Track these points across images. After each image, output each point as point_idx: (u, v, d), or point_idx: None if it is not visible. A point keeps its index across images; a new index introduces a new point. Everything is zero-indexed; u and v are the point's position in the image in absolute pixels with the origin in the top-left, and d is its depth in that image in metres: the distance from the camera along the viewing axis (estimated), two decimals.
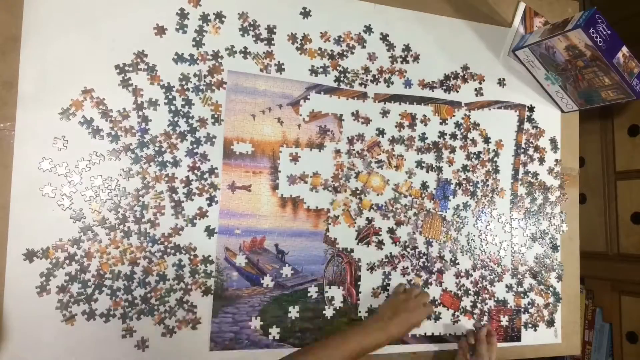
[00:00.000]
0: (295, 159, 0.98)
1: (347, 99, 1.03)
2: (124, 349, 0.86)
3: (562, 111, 1.22)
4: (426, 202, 1.08)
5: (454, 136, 1.11)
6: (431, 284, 1.07)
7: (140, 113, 0.89)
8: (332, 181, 1.00)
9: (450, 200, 1.10)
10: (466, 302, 1.10)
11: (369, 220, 1.03)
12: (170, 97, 0.90)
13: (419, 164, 1.08)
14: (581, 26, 0.96)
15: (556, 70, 1.11)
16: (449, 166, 1.10)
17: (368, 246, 1.03)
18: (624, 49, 1.01)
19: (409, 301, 0.97)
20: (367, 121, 1.04)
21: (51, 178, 0.83)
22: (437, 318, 1.07)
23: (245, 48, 0.96)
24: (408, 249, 1.05)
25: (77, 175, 0.85)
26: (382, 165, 1.04)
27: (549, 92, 1.20)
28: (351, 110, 1.03)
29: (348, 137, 1.02)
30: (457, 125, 1.11)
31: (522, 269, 1.15)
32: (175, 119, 0.91)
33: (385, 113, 1.05)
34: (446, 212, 1.09)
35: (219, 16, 0.94)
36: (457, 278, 1.09)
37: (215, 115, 0.93)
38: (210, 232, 0.91)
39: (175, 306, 0.89)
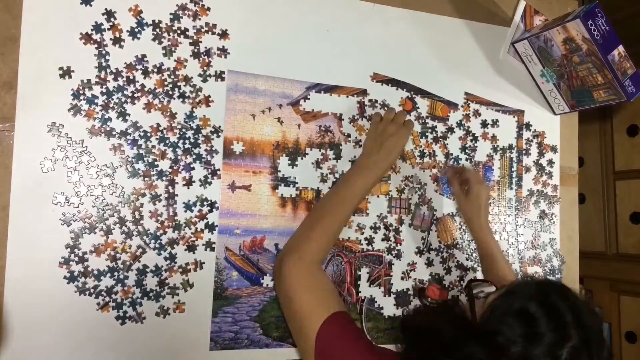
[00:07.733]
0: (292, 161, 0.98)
1: (347, 97, 1.03)
2: (122, 347, 0.86)
3: (554, 113, 1.21)
4: (430, 185, 1.08)
5: (451, 130, 1.11)
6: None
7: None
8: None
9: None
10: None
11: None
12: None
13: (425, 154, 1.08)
14: (580, 16, 0.96)
15: (552, 66, 1.11)
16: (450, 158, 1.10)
17: (379, 287, 1.02)
18: (620, 48, 1.01)
19: (388, 127, 0.96)
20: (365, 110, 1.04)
21: (51, 179, 0.83)
22: None
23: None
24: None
25: (77, 175, 0.84)
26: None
27: (543, 91, 1.19)
28: (351, 109, 1.03)
29: (345, 134, 1.02)
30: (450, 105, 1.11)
31: (529, 271, 1.16)
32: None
33: (384, 106, 1.06)
34: (447, 195, 1.09)
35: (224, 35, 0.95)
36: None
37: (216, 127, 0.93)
38: (210, 228, 0.92)
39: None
